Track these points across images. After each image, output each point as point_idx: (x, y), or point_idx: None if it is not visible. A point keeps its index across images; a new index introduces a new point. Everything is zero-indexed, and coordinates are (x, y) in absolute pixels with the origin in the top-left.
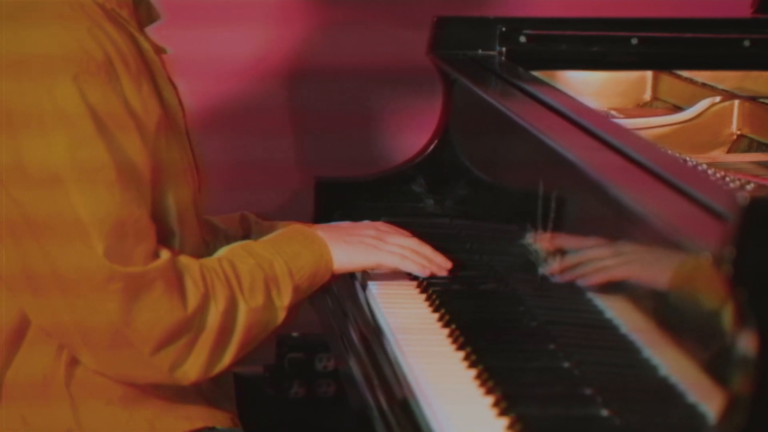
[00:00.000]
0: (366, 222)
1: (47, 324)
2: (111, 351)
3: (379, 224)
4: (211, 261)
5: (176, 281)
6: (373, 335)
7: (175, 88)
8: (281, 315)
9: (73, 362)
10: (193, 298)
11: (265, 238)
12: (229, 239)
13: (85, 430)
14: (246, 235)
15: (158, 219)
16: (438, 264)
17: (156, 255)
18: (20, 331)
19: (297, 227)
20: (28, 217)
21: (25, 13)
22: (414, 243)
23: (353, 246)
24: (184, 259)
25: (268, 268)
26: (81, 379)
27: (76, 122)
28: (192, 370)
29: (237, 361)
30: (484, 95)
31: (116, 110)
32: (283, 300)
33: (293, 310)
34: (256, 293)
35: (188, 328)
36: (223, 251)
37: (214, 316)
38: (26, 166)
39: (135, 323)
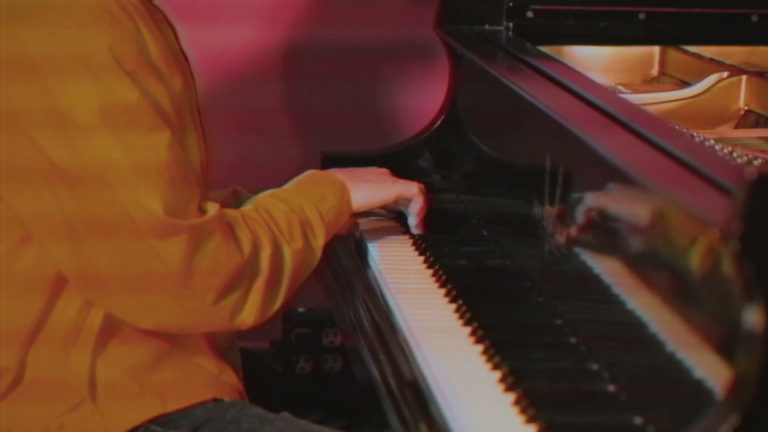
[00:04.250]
0: (372, 167)
1: (99, 292)
2: (172, 304)
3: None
4: (248, 210)
5: (229, 230)
6: (381, 313)
7: (187, 60)
8: (318, 255)
9: (107, 330)
10: (247, 244)
11: (288, 185)
12: None
13: (98, 402)
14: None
15: None
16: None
17: (202, 208)
18: (43, 318)
19: (316, 172)
20: (82, 167)
21: (52, 11)
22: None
23: (374, 184)
24: (228, 209)
25: (300, 213)
26: (109, 350)
27: (113, 70)
28: (249, 315)
29: (286, 303)
30: (491, 70)
31: (146, 60)
32: (319, 241)
33: (326, 251)
34: (296, 236)
35: (244, 274)
36: (251, 202)
37: (264, 261)
38: (75, 115)
39: (197, 274)
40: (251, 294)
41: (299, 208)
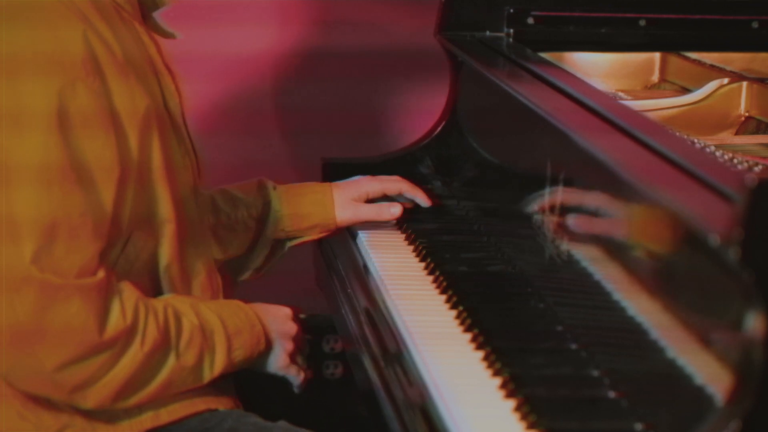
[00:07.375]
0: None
1: None
2: (14, 357)
3: None
4: (157, 302)
5: (99, 304)
6: (381, 319)
7: (172, 74)
8: (205, 380)
9: None
10: (113, 327)
11: (212, 305)
12: (249, 209)
13: (89, 416)
14: (266, 203)
15: (149, 210)
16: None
17: (91, 272)
18: None
19: (242, 306)
20: None
21: (7, 13)
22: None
23: (282, 352)
24: (126, 289)
25: (209, 336)
26: None
27: (33, 120)
28: (95, 397)
29: (144, 404)
30: (492, 77)
31: (87, 110)
32: (214, 370)
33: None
34: (189, 354)
35: (98, 352)
36: (171, 299)
37: (135, 353)
38: None
39: (44, 333)
40: (107, 378)
41: (209, 333)
